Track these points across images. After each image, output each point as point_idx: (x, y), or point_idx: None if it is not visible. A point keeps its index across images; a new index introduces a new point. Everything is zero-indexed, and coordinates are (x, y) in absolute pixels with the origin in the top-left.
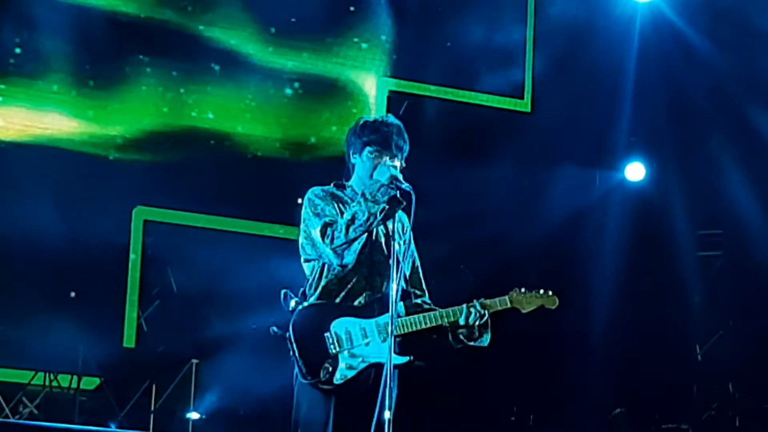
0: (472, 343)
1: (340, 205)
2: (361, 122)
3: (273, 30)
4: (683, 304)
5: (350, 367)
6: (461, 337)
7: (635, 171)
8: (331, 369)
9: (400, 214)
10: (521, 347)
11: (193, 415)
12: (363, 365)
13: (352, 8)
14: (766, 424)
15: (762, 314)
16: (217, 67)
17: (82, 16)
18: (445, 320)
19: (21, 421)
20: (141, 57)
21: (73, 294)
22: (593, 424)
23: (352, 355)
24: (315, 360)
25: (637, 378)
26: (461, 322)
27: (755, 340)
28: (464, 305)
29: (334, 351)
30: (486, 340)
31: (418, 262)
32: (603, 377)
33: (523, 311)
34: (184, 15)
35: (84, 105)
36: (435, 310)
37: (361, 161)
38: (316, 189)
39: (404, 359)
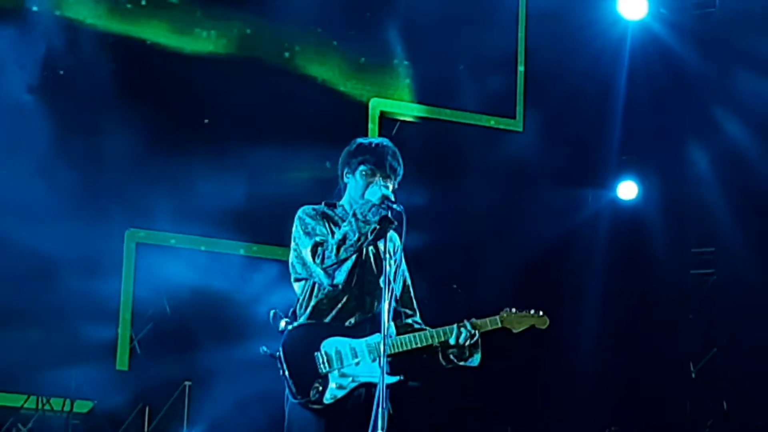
0: (462, 363)
1: (331, 224)
2: (357, 143)
3: (287, 55)
4: (677, 322)
5: (340, 387)
6: (451, 356)
7: (627, 190)
8: (321, 388)
9: (391, 233)
10: (513, 367)
11: None
12: (353, 385)
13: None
14: None
15: (755, 331)
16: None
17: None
18: (436, 340)
19: None
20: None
21: None
22: None
23: (342, 375)
24: (305, 379)
25: (630, 396)
26: (452, 341)
27: (749, 358)
28: (455, 325)
29: (324, 370)
30: (476, 360)
31: (409, 282)
32: (596, 396)
33: (514, 331)
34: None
35: None
36: (425, 329)
37: (354, 180)
38: (307, 208)
39: (395, 378)
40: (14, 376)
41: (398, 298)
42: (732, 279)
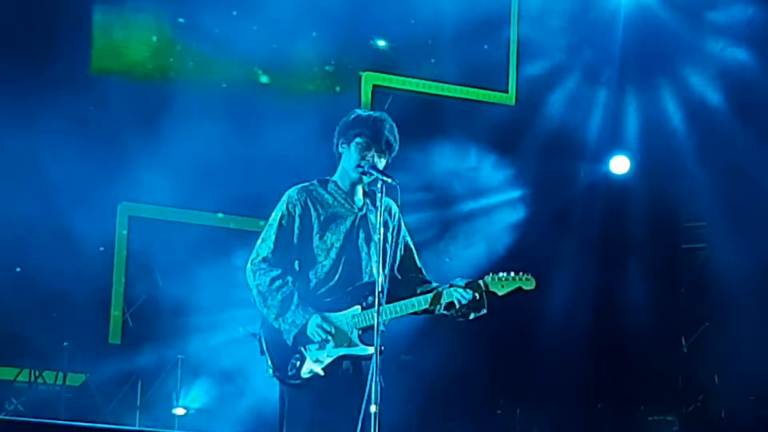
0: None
1: (318, 206)
2: (355, 114)
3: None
4: (668, 297)
5: (318, 361)
6: (450, 315)
7: (620, 164)
8: (298, 364)
9: (389, 201)
10: (504, 343)
11: (179, 411)
12: (329, 359)
13: None
14: (751, 415)
15: (747, 306)
16: None
17: None
18: (417, 308)
19: (7, 417)
20: None
21: None
22: (579, 417)
23: (320, 349)
24: (283, 355)
25: (622, 370)
26: (439, 308)
27: (740, 332)
28: (430, 294)
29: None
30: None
31: (411, 245)
32: (589, 370)
33: (500, 294)
34: None
35: None
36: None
37: (348, 151)
38: (293, 192)
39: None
40: (7, 350)
41: (399, 264)
42: (724, 253)
